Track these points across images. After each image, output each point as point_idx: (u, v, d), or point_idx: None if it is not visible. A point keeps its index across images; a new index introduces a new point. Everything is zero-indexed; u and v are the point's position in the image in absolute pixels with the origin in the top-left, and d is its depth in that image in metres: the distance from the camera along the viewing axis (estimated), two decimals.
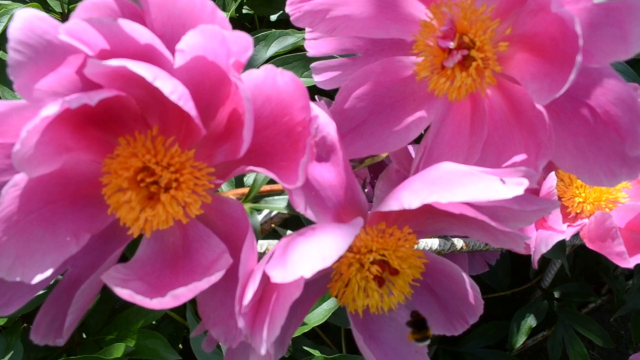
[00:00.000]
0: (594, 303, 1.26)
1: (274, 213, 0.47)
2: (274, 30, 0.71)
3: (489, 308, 1.18)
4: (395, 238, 0.35)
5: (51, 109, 0.27)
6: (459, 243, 0.69)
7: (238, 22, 0.92)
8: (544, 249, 0.45)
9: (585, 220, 0.50)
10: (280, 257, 0.29)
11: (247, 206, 0.42)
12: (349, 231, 0.29)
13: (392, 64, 0.41)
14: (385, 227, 0.36)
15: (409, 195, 0.30)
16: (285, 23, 0.87)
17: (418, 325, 0.42)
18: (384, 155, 0.60)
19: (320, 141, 0.35)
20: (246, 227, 0.32)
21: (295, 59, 0.70)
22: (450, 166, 0.32)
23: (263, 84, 0.32)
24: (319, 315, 0.72)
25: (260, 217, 0.48)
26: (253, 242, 0.31)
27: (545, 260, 1.06)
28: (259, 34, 0.71)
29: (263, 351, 0.28)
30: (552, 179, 0.48)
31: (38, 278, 0.32)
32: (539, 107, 0.34)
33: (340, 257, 0.36)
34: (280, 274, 0.27)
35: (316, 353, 0.77)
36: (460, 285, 0.43)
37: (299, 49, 0.72)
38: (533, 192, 0.53)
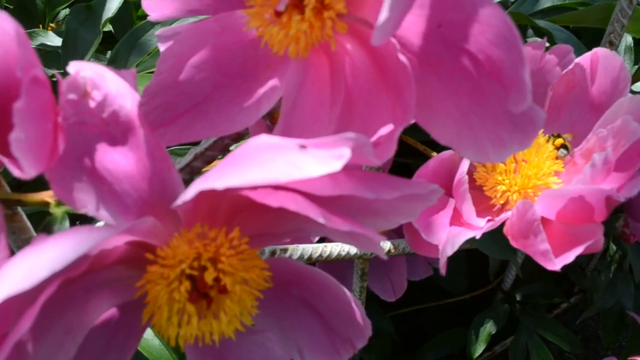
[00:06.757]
0: (566, 303, 1.17)
1: None
2: None
3: (447, 315, 1.08)
4: (217, 244, 0.26)
5: None
6: (385, 245, 0.59)
7: None
8: (449, 251, 0.36)
9: (509, 213, 0.40)
10: None
11: (61, 210, 0.33)
12: (85, 239, 0.19)
13: (233, 20, 0.32)
14: (207, 230, 0.27)
15: (193, 186, 0.21)
16: None
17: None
18: None
19: (110, 117, 0.26)
20: None
21: None
22: (260, 140, 0.22)
23: None
24: None
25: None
26: None
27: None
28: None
29: None
30: (465, 163, 0.38)
31: None
32: (401, 57, 0.25)
33: (145, 273, 0.27)
34: None
35: None
36: (344, 301, 0.34)
37: None
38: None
